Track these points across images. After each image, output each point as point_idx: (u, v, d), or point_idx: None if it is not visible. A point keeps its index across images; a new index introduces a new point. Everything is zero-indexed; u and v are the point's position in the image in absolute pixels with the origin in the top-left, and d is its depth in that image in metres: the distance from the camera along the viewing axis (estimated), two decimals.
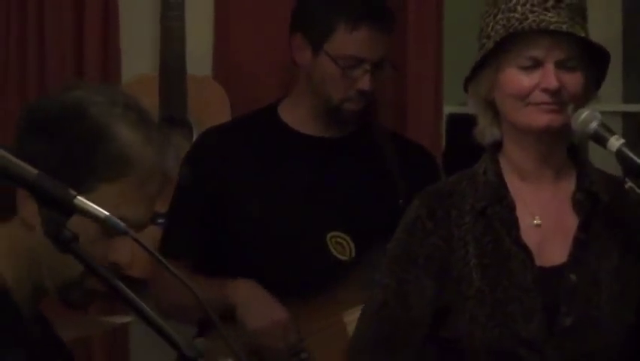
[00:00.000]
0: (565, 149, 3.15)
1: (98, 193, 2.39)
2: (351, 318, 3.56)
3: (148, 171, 2.44)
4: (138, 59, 4.55)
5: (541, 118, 3.06)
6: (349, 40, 3.75)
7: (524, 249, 3.09)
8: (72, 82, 2.53)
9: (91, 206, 2.17)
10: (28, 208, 2.35)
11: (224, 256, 3.70)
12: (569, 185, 3.17)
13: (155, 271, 3.56)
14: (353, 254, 3.68)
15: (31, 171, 2.23)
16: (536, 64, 3.06)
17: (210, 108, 4.52)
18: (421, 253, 3.13)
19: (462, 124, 3.56)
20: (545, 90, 3.05)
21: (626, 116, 5.24)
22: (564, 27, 3.09)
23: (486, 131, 3.10)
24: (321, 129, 3.83)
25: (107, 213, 2.16)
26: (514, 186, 3.14)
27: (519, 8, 3.10)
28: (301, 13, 3.83)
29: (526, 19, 3.08)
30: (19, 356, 2.41)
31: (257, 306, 3.65)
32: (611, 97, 4.95)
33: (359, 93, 3.78)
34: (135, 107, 2.46)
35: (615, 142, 2.98)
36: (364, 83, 3.76)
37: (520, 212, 3.13)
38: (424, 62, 4.65)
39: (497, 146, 3.13)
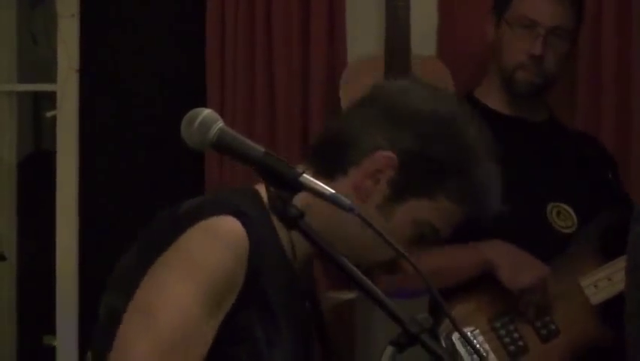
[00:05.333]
0: None
1: (440, 204, 2.44)
2: (587, 282, 3.61)
3: (475, 209, 2.48)
4: (364, 40, 4.49)
5: None
6: (525, 2, 3.76)
7: None
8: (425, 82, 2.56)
9: (317, 183, 2.17)
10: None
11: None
12: None
13: None
14: (576, 225, 3.63)
15: (259, 149, 2.24)
16: None
17: None
18: None
19: None
20: None
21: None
22: None
23: None
24: (516, 109, 3.82)
25: (333, 191, 2.14)
26: None
27: None
28: None
29: None
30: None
31: (520, 264, 3.60)
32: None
33: (531, 59, 3.75)
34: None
35: None
36: (536, 47, 3.73)
37: None
38: None
39: None
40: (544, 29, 3.72)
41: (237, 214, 2.34)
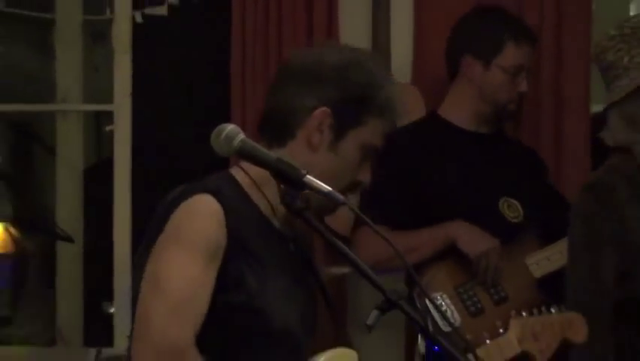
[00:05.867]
0: None
1: (370, 125, 2.43)
2: (531, 261, 3.56)
3: (394, 118, 2.48)
4: None
5: None
6: (518, 53, 3.67)
7: None
8: (326, 42, 2.62)
9: (316, 182, 2.16)
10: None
11: (416, 222, 3.63)
12: None
13: (358, 232, 3.48)
14: (522, 216, 3.60)
15: (272, 155, 2.24)
16: None
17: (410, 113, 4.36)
18: (602, 234, 3.02)
19: None
20: None
21: None
22: None
23: (619, 137, 3.01)
24: (478, 127, 3.74)
25: (330, 188, 2.14)
26: None
27: None
28: (468, 39, 3.74)
29: None
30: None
31: (477, 236, 3.55)
32: None
33: (519, 95, 3.72)
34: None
35: None
36: (524, 85, 3.71)
37: None
38: None
39: (625, 147, 3.03)
40: (526, 70, 3.70)
41: (209, 191, 2.34)
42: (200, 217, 2.33)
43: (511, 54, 3.65)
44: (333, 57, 2.48)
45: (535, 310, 2.77)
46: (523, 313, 2.75)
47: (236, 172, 2.45)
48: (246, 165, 2.41)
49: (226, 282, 2.31)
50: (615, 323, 3.02)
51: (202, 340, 2.27)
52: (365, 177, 2.46)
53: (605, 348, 3.06)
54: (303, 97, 2.44)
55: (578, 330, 2.78)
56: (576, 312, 3.03)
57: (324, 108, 2.41)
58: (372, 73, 2.46)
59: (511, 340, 2.74)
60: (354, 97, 2.43)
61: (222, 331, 2.33)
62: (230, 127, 2.25)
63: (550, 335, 2.74)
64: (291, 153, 2.41)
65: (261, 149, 2.25)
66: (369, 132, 2.44)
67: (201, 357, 2.27)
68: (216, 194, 2.34)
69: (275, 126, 2.45)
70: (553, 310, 2.79)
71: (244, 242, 2.35)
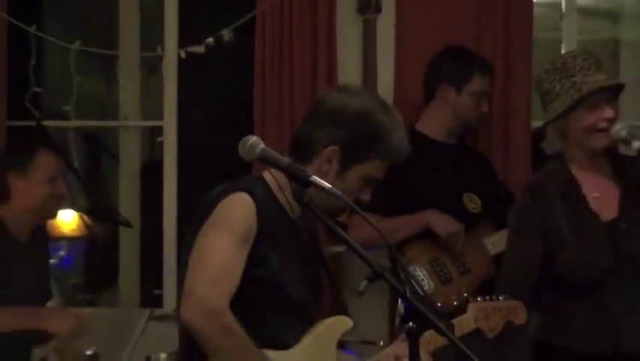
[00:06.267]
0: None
1: (373, 163, 2.38)
2: (488, 241, 3.54)
3: (395, 158, 2.43)
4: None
5: (602, 139, 2.94)
6: (482, 82, 3.68)
7: (592, 214, 2.96)
8: (347, 87, 2.49)
9: (320, 181, 2.14)
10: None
11: (399, 210, 3.61)
12: (607, 170, 3.03)
13: (352, 219, 3.46)
14: (480, 208, 3.59)
15: (285, 160, 2.22)
16: (597, 106, 2.92)
17: None
18: (532, 224, 3.00)
19: None
20: (607, 119, 2.91)
21: None
22: (612, 81, 2.97)
23: (555, 146, 3.00)
24: (447, 138, 3.73)
25: (330, 185, 2.13)
26: (578, 176, 3.01)
27: (579, 75, 2.93)
28: (444, 70, 3.72)
29: (587, 82, 2.92)
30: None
31: (446, 220, 3.53)
32: None
33: (482, 114, 3.73)
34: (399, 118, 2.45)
35: (636, 143, 2.89)
36: (485, 107, 3.72)
37: (585, 191, 3.00)
38: None
39: (559, 154, 3.01)
40: (487, 94, 3.71)
41: (245, 190, 2.32)
42: (238, 210, 2.30)
43: (477, 83, 3.66)
44: (353, 105, 2.39)
45: (487, 297, 2.76)
46: (479, 299, 2.74)
47: (266, 175, 2.42)
48: (274, 171, 2.37)
49: (255, 261, 2.30)
50: (541, 292, 3.00)
51: (235, 305, 2.25)
52: (365, 197, 2.42)
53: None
54: (323, 133, 2.38)
55: (520, 314, 2.77)
56: (506, 285, 3.00)
57: (335, 147, 2.36)
58: (381, 122, 2.38)
59: (469, 319, 2.70)
60: (361, 141, 2.37)
61: (251, 298, 2.30)
62: (253, 138, 2.23)
63: (499, 316, 2.73)
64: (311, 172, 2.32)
65: (277, 155, 2.22)
66: (372, 168, 2.39)
67: (233, 318, 2.25)
68: (251, 193, 2.32)
69: (299, 150, 2.41)
70: (501, 298, 2.77)
71: (270, 231, 2.32)
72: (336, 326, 2.45)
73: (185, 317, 2.22)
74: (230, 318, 2.23)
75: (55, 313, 3.24)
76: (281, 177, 2.32)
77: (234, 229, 2.27)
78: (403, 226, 3.50)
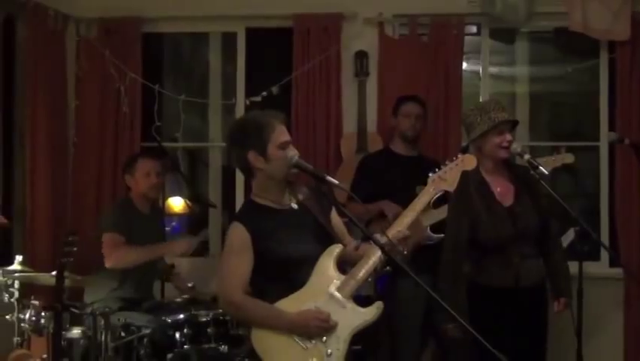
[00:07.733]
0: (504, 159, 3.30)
1: (269, 152, 2.29)
2: (425, 217, 3.52)
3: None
4: (348, 124, 4.27)
5: (504, 153, 3.09)
6: (409, 109, 3.89)
7: (498, 202, 3.09)
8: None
9: (331, 179, 2.16)
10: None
11: (373, 199, 3.70)
12: (506, 174, 3.16)
13: (347, 205, 3.38)
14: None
15: (310, 167, 2.24)
16: (502, 132, 3.06)
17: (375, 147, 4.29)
18: (461, 209, 3.07)
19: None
20: (508, 141, 3.07)
21: None
22: (511, 118, 3.11)
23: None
24: (405, 151, 3.88)
25: (337, 182, 2.12)
26: (487, 178, 3.14)
27: (491, 113, 3.05)
28: (394, 107, 3.91)
29: (497, 117, 3.04)
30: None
31: (392, 206, 3.60)
32: None
33: (410, 127, 3.83)
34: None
35: (526, 156, 2.97)
36: (419, 125, 3.85)
37: (492, 187, 3.16)
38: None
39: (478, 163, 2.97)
40: (414, 115, 3.90)
41: (235, 218, 2.33)
42: (232, 235, 2.31)
43: (406, 110, 3.91)
44: (244, 118, 2.40)
45: (439, 168, 2.52)
46: (436, 170, 2.51)
47: (252, 195, 2.35)
48: (256, 190, 2.32)
49: (260, 250, 2.29)
50: (470, 250, 3.04)
51: (255, 282, 2.25)
52: (291, 153, 2.19)
53: (457, 273, 3.07)
54: (239, 149, 2.29)
55: (467, 161, 2.54)
56: (451, 246, 2.97)
57: (249, 154, 2.26)
58: (255, 119, 2.30)
59: (428, 189, 2.46)
60: (253, 138, 2.27)
61: (265, 271, 2.29)
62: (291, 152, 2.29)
63: (453, 173, 2.44)
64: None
65: (306, 164, 2.23)
66: (274, 141, 2.30)
67: (244, 297, 2.20)
68: (237, 218, 2.32)
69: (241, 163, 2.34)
70: (448, 162, 2.52)
71: (258, 227, 2.29)
72: (329, 252, 2.35)
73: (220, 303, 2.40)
74: (239, 298, 2.24)
75: (174, 241, 3.67)
76: (262, 188, 2.30)
77: (232, 248, 2.30)
78: (369, 209, 3.67)
